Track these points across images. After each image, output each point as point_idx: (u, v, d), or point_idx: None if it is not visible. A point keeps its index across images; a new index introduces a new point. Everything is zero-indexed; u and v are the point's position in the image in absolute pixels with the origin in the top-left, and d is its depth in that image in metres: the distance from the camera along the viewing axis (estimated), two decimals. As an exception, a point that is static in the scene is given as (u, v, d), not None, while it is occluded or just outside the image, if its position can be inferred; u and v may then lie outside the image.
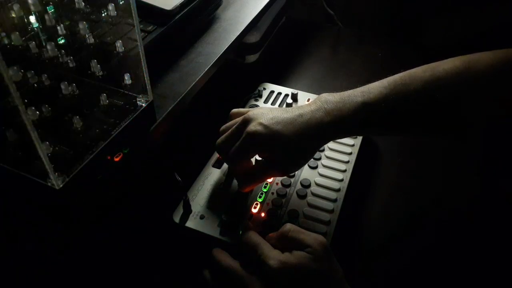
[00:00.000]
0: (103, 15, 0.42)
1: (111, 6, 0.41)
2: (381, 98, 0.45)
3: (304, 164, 0.51)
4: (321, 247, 0.41)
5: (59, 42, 0.39)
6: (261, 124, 0.45)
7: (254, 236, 0.44)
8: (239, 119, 0.49)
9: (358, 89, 0.47)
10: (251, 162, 0.51)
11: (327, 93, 0.49)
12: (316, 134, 0.46)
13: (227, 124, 0.51)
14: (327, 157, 0.57)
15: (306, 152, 0.48)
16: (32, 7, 0.37)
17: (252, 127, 0.46)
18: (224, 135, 0.49)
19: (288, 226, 0.43)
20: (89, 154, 0.41)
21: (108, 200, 0.45)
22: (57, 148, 0.39)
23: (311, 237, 0.42)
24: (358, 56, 0.83)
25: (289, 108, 0.48)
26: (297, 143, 0.45)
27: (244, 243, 0.44)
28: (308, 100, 0.66)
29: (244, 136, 0.46)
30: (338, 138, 0.58)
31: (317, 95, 0.67)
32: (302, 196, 0.52)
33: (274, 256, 0.40)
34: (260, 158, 0.52)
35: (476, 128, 0.51)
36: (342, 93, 0.48)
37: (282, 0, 0.85)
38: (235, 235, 0.47)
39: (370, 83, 0.48)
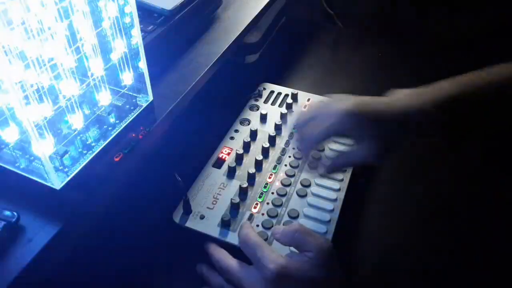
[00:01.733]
0: (103, 15, 0.42)
1: (111, 6, 0.41)
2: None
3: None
4: (325, 253, 0.40)
5: (59, 42, 0.39)
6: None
7: (254, 237, 0.43)
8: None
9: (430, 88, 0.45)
10: None
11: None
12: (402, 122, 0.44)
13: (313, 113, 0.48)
14: (327, 157, 0.57)
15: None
16: (32, 7, 0.37)
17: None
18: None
19: (297, 226, 0.42)
20: (89, 154, 0.41)
21: (108, 200, 0.45)
22: (57, 148, 0.39)
23: (317, 241, 0.41)
24: (358, 56, 0.83)
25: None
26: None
27: (244, 244, 0.44)
28: (308, 100, 0.66)
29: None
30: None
31: (317, 95, 0.67)
32: (302, 196, 0.52)
33: (274, 259, 0.40)
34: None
35: None
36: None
37: (282, 0, 0.85)
38: (235, 235, 0.47)
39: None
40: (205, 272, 0.45)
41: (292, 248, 0.45)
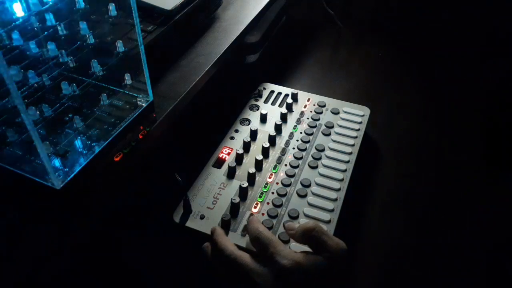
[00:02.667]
0: (103, 15, 0.42)
1: (111, 6, 0.41)
2: None
3: None
4: (340, 255, 0.40)
5: (59, 42, 0.39)
6: None
7: (265, 232, 0.43)
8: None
9: None
10: None
11: None
12: None
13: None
14: (328, 157, 0.57)
15: None
16: (33, 7, 0.37)
17: None
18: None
19: (313, 224, 0.42)
20: (89, 154, 0.41)
21: (108, 200, 0.45)
22: (57, 148, 0.40)
23: (334, 242, 0.40)
24: (358, 56, 0.83)
25: None
26: None
27: (254, 239, 0.43)
28: (308, 100, 0.66)
29: None
30: None
31: (317, 95, 0.68)
32: (303, 196, 0.52)
33: (287, 255, 0.40)
34: None
35: None
36: None
37: (282, 0, 0.85)
38: (235, 235, 0.47)
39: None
40: (210, 255, 0.45)
41: (293, 245, 0.44)
